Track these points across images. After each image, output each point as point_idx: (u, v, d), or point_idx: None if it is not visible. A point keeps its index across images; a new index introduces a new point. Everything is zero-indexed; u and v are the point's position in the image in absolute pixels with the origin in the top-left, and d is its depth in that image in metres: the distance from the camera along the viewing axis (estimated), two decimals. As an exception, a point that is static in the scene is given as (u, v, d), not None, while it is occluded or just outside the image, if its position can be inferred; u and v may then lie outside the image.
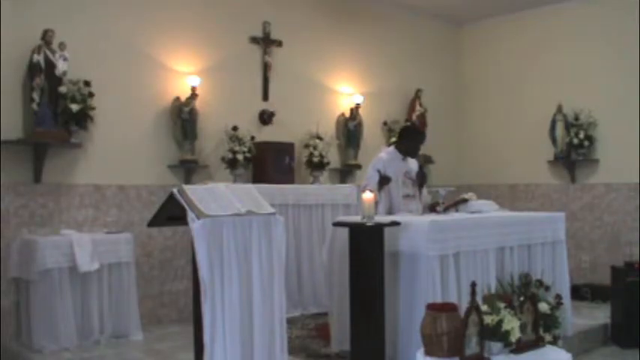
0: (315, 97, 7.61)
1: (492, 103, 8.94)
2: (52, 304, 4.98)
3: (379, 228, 4.18)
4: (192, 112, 6.37)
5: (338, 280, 4.70)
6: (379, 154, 5.47)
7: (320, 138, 7.29)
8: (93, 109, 5.64)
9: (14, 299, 5.21)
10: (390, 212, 5.20)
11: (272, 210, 3.75)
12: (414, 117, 8.36)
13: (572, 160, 7.95)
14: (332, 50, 7.77)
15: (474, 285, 3.59)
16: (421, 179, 5.40)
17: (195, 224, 3.36)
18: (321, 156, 7.22)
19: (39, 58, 5.29)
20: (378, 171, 5.16)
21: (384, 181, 5.13)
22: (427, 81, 8.67)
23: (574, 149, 7.89)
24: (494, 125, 8.90)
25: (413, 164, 5.48)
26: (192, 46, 6.56)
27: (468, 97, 9.24)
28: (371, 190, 4.37)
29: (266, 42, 7.12)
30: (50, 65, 5.35)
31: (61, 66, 5.37)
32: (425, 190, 5.46)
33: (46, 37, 5.34)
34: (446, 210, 5.03)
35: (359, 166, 7.72)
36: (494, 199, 5.80)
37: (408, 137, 5.53)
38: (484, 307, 3.70)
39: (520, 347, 3.72)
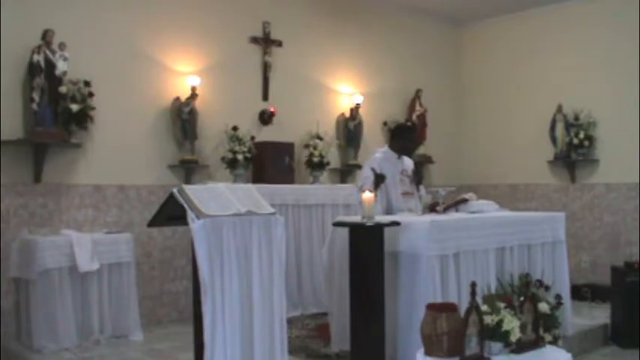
0: (315, 97, 7.61)
1: (492, 103, 8.93)
2: (52, 304, 4.98)
3: (379, 228, 4.17)
4: (192, 112, 6.38)
5: (338, 280, 4.70)
6: (374, 154, 5.48)
7: (320, 138, 7.29)
8: (93, 109, 5.64)
9: (14, 299, 5.21)
10: (388, 212, 5.20)
11: (272, 210, 3.75)
12: (414, 117, 8.36)
13: (572, 160, 7.95)
14: (332, 50, 7.77)
15: (474, 285, 3.58)
16: (417, 177, 5.42)
17: (195, 224, 3.36)
18: (321, 156, 7.22)
19: (39, 58, 5.29)
20: (373, 170, 5.15)
21: (379, 179, 5.11)
22: (427, 81, 8.66)
23: (574, 149, 7.89)
24: (494, 125, 8.89)
25: (408, 163, 5.52)
26: (192, 46, 6.56)
27: (468, 97, 9.24)
28: (370, 191, 4.36)
29: (266, 42, 7.12)
30: (50, 65, 5.35)
31: (61, 66, 5.37)
32: (423, 190, 5.46)
33: (46, 37, 5.35)
34: (446, 210, 5.03)
35: (359, 166, 7.69)
36: (494, 199, 5.79)
37: (400, 136, 5.55)
38: (484, 307, 3.70)
39: (520, 347, 3.71)
